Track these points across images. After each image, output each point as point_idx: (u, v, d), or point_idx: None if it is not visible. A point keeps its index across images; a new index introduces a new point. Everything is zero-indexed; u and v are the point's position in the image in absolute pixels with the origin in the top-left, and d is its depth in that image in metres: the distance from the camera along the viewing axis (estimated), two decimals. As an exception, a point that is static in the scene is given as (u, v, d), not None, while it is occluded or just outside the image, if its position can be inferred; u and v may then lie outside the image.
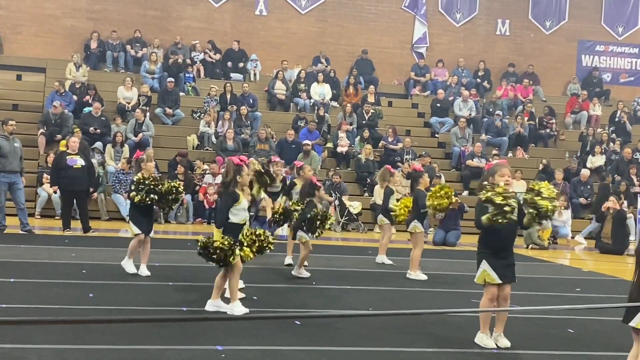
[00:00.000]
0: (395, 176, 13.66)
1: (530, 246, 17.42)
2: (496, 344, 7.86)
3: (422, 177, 12.22)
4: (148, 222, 11.03)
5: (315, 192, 11.51)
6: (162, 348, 7.23)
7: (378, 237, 16.68)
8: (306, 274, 11.47)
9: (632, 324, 6.26)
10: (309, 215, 11.20)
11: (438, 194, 11.47)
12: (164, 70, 23.01)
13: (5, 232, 14.82)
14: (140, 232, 10.81)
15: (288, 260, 12.58)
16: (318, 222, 11.15)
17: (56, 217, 17.42)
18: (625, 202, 19.29)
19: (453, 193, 11.81)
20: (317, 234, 11.31)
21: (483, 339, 7.89)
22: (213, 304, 8.81)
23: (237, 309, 8.59)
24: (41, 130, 19.80)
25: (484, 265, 7.72)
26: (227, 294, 8.95)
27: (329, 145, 22.07)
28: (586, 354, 8.03)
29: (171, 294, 9.85)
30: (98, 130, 19.95)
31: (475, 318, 8.40)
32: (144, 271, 10.87)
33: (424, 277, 12.01)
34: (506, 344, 7.88)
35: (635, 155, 22.91)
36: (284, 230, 15.20)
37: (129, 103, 21.41)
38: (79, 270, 11.05)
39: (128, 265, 10.95)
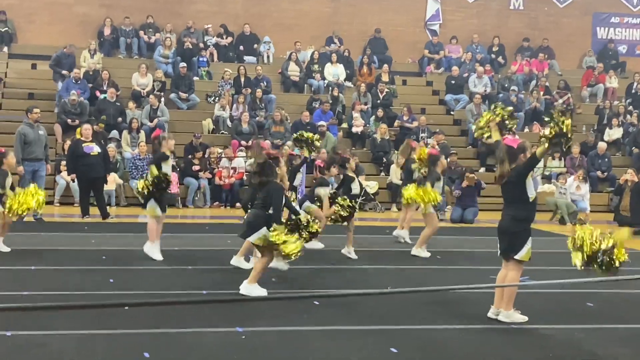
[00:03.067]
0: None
1: (574, 222, 16.64)
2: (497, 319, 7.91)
3: (440, 161, 12.41)
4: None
5: (347, 165, 11.79)
6: (183, 331, 7.30)
7: (396, 216, 16.69)
8: (354, 256, 11.53)
9: None
10: (355, 192, 11.47)
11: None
12: (178, 54, 23.02)
13: (25, 219, 14.90)
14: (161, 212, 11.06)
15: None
16: (362, 198, 11.55)
17: (75, 205, 17.52)
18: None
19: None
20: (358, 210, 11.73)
21: (515, 315, 7.87)
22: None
23: (256, 290, 8.65)
24: (59, 119, 19.88)
25: (530, 242, 7.82)
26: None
27: (344, 125, 22.04)
28: (606, 327, 8.03)
29: (191, 278, 9.92)
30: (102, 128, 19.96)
31: (493, 294, 8.41)
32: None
33: (426, 255, 11.99)
34: (523, 318, 7.91)
35: (653, 126, 22.72)
36: None
37: (144, 89, 21.44)
38: (99, 256, 11.15)
39: (155, 252, 11.00)
